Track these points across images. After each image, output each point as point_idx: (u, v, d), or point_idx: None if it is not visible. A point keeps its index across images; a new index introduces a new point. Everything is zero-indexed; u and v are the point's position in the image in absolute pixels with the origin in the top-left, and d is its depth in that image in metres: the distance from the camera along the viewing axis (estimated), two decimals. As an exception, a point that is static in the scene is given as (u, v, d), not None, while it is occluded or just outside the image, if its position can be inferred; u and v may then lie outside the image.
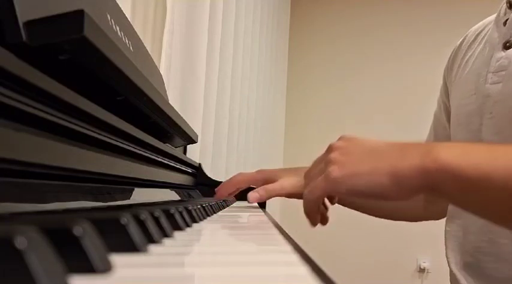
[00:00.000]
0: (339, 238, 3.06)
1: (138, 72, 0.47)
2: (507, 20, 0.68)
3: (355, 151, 0.48)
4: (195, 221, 0.44)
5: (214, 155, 1.40)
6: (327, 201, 0.63)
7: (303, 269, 0.22)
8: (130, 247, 0.24)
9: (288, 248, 0.29)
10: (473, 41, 0.77)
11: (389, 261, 2.99)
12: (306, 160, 0.60)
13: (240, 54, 1.77)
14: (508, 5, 0.70)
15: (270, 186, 0.83)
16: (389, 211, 0.84)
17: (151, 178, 0.62)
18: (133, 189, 0.56)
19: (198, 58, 1.19)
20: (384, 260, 2.99)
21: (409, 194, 0.44)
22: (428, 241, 2.86)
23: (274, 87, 2.75)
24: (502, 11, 0.71)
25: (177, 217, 0.37)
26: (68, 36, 0.33)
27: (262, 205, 0.94)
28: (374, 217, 0.85)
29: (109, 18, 0.52)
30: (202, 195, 1.01)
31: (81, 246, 0.19)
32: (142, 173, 0.58)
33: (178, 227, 0.36)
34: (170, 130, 0.72)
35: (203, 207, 0.53)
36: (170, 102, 0.82)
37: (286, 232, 0.41)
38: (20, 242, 0.15)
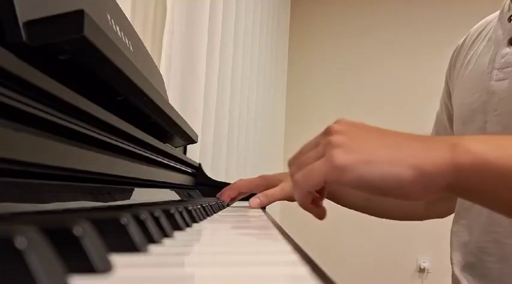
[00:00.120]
0: (339, 238, 3.06)
1: (138, 72, 0.47)
2: (511, 16, 0.67)
3: (364, 135, 0.42)
4: (195, 221, 0.44)
5: (214, 155, 1.40)
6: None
7: (303, 269, 0.22)
8: (130, 247, 0.24)
9: (288, 248, 0.29)
10: (476, 39, 0.76)
11: (389, 261, 2.99)
12: (306, 160, 0.60)
13: (240, 54, 1.77)
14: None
15: (270, 191, 0.84)
16: (387, 210, 0.82)
17: (151, 178, 0.62)
18: (133, 189, 0.56)
19: (198, 58, 1.19)
20: (384, 260, 2.99)
21: (432, 192, 0.39)
22: (428, 241, 2.86)
23: (274, 87, 2.75)
24: (506, 7, 0.70)
25: (177, 217, 0.37)
26: (68, 36, 0.33)
27: (262, 206, 0.94)
28: (374, 217, 0.85)
29: (109, 18, 0.52)
30: (202, 195, 1.01)
31: (81, 246, 0.19)
32: (142, 173, 0.58)
33: (178, 227, 0.36)
34: (170, 130, 0.72)
35: (203, 207, 0.53)
36: (170, 102, 0.82)
37: (286, 232, 0.41)
38: (20, 242, 0.15)
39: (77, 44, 0.34)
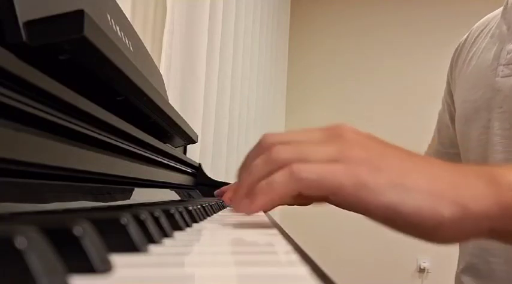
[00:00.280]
0: (339, 238, 3.06)
1: (138, 72, 0.47)
2: None
3: (390, 152, 0.34)
4: (195, 221, 0.44)
5: (214, 155, 1.40)
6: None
7: (303, 269, 0.22)
8: (130, 247, 0.24)
9: (288, 248, 0.29)
10: (478, 36, 0.76)
11: (389, 261, 2.99)
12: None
13: (240, 54, 1.77)
14: None
15: None
16: None
17: (151, 178, 0.62)
18: (133, 189, 0.56)
19: (198, 58, 1.19)
20: (384, 260, 3.00)
21: (471, 236, 0.33)
22: (428, 241, 2.86)
23: (274, 87, 2.75)
24: (510, 3, 0.69)
25: (177, 217, 0.37)
26: (68, 36, 0.33)
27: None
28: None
29: (109, 18, 0.52)
30: (202, 195, 1.01)
31: (81, 246, 0.19)
32: (142, 173, 0.58)
33: (178, 227, 0.36)
34: (170, 130, 0.72)
35: (203, 207, 0.53)
36: (170, 102, 0.82)
37: (286, 232, 0.41)
38: (20, 242, 0.15)
39: (77, 44, 0.34)
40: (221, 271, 0.23)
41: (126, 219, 0.24)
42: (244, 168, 0.39)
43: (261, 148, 0.37)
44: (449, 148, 0.83)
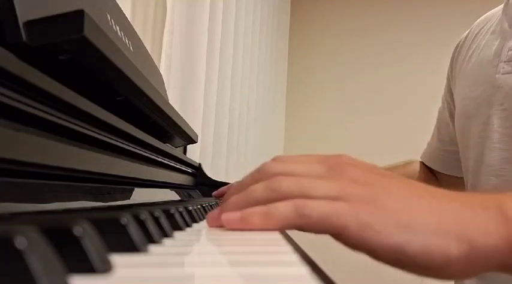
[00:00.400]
0: (339, 238, 3.06)
1: (138, 72, 0.47)
2: None
3: (395, 188, 0.33)
4: (195, 221, 0.44)
5: (214, 155, 1.40)
6: None
7: (303, 269, 0.22)
8: (130, 247, 0.24)
9: (288, 248, 0.29)
10: (478, 33, 0.75)
11: (390, 261, 2.99)
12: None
13: (240, 54, 1.77)
14: None
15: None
16: None
17: (151, 178, 0.62)
18: (133, 189, 0.56)
19: (198, 58, 1.19)
20: (384, 260, 2.99)
21: (479, 271, 0.32)
22: (428, 241, 2.86)
23: (274, 87, 2.75)
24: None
25: (177, 217, 0.37)
26: (68, 36, 0.33)
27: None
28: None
29: (109, 18, 0.52)
30: (202, 195, 1.01)
31: (81, 246, 0.19)
32: (142, 173, 0.58)
33: (178, 227, 0.36)
34: (170, 130, 0.72)
35: (203, 207, 0.53)
36: (170, 102, 0.82)
37: (286, 232, 0.41)
38: (20, 242, 0.15)
39: (77, 44, 0.34)
40: (221, 271, 0.23)
41: (126, 219, 0.24)
42: (238, 189, 0.37)
43: (260, 175, 0.36)
44: (448, 146, 0.83)
